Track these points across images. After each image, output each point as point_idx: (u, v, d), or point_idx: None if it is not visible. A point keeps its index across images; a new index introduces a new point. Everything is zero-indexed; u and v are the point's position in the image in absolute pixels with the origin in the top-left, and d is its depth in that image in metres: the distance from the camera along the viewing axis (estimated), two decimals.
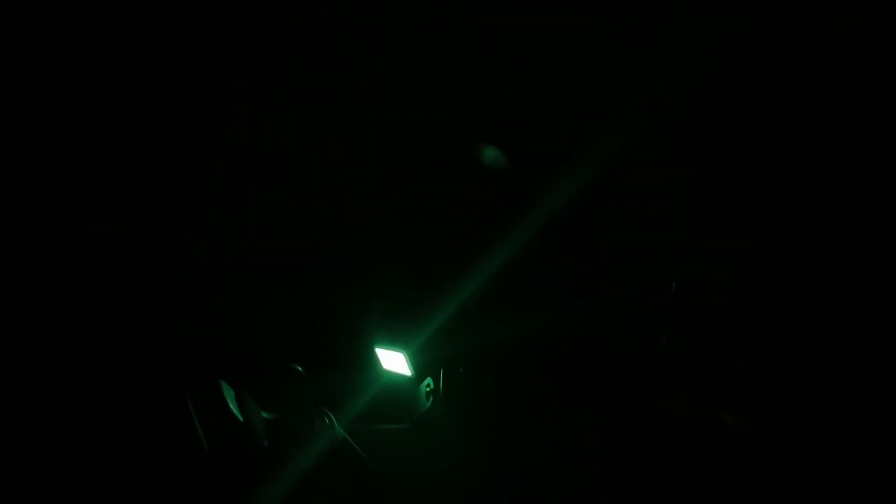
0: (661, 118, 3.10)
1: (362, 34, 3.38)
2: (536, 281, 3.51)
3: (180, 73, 3.29)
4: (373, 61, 3.44)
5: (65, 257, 3.26)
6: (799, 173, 2.89)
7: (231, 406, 2.84)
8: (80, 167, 3.34)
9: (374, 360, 3.60)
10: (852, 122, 2.76)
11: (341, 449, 3.16)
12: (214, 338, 3.39)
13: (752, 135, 2.95)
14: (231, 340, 3.43)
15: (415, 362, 3.50)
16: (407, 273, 3.69)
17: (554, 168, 3.42)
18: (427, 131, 3.63)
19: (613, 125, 3.17)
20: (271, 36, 3.26)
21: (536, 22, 3.19)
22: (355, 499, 3.12)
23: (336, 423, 3.18)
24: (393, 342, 3.52)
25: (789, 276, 2.92)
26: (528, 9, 3.16)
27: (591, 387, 3.32)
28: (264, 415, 3.04)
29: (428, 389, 3.64)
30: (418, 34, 3.38)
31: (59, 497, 2.64)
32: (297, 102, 3.52)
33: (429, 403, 3.63)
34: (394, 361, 3.55)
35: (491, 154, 3.58)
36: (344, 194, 3.68)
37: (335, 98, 3.54)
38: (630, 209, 3.36)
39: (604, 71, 3.14)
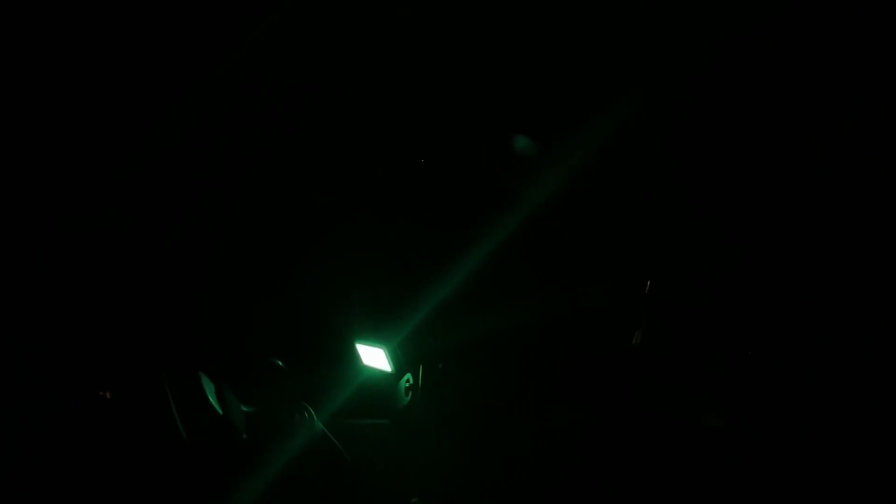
0: (639, 115, 3.13)
1: (342, 31, 3.38)
2: (515, 277, 3.54)
3: (171, 67, 3.26)
4: (350, 56, 3.44)
5: (45, 249, 3.22)
6: (779, 169, 2.93)
7: (211, 399, 2.83)
8: (61, 159, 3.31)
9: (354, 356, 3.59)
10: (841, 118, 2.79)
11: (320, 443, 3.15)
12: (195, 330, 3.37)
13: (734, 132, 2.99)
14: (212, 333, 3.41)
15: (395, 358, 3.50)
16: (387, 269, 3.69)
17: (532, 163, 3.45)
18: (408, 128, 3.63)
19: (592, 121, 3.19)
20: (259, 28, 3.24)
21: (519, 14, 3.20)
22: (334, 493, 3.12)
23: (315, 418, 3.17)
24: (373, 338, 3.52)
25: (767, 272, 2.97)
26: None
27: (569, 382, 3.35)
28: (244, 408, 3.03)
29: (407, 385, 3.65)
30: (402, 29, 3.38)
31: (34, 486, 2.61)
32: (283, 99, 3.51)
33: (408, 399, 3.64)
34: (374, 357, 3.55)
35: (471, 150, 3.60)
36: (326, 190, 3.67)
37: (319, 95, 3.53)
38: (608, 205, 3.40)
39: (585, 63, 3.15)
